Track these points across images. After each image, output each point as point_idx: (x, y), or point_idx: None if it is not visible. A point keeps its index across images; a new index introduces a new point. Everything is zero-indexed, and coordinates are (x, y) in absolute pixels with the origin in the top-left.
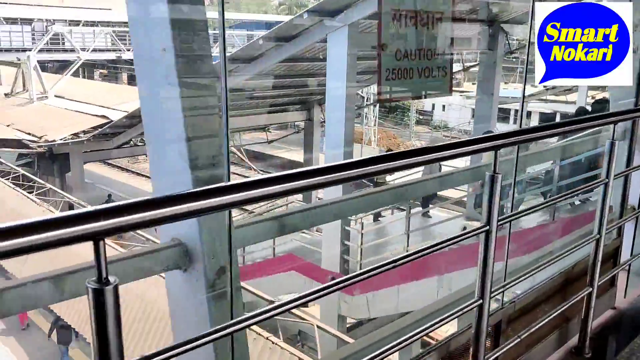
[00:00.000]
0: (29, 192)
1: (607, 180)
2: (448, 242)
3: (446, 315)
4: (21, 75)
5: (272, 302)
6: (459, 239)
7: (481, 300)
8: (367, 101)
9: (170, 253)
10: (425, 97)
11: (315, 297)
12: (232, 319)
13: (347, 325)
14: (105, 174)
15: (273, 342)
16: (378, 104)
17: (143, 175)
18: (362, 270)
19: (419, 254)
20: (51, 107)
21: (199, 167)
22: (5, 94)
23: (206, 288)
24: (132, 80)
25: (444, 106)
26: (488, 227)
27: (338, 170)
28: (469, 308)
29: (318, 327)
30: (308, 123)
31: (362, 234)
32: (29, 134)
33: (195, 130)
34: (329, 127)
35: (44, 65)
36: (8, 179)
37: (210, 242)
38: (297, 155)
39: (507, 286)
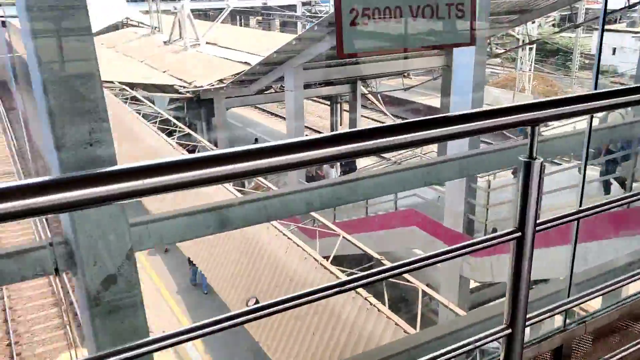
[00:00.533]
0: (170, 136)
1: None
2: (473, 248)
3: (469, 341)
4: (177, 24)
5: (379, 260)
6: (485, 244)
7: (510, 330)
8: (521, 43)
9: (45, 254)
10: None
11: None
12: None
13: (471, 287)
14: (255, 118)
15: (371, 304)
16: (534, 46)
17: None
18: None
19: (435, 259)
20: (202, 54)
21: (67, 147)
22: (164, 42)
23: (88, 302)
24: (283, 27)
25: (614, 49)
26: (520, 233)
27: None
28: (495, 337)
29: (423, 292)
30: (446, 68)
31: (488, 192)
32: (181, 79)
33: (62, 102)
34: (456, 72)
35: (206, 13)
36: (155, 122)
37: (92, 244)
38: (437, 102)
39: (559, 308)
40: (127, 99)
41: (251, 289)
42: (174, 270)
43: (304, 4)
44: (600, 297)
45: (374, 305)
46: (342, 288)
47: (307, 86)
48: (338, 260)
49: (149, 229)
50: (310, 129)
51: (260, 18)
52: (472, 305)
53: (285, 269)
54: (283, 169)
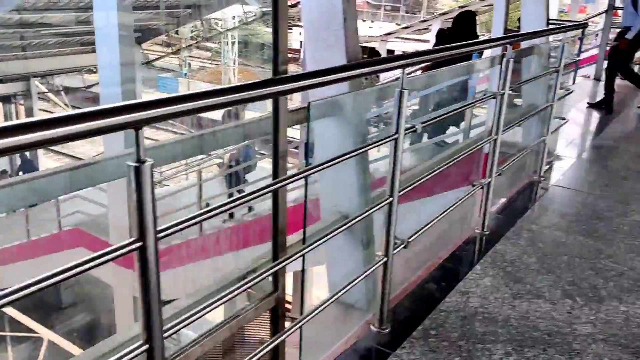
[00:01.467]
0: None
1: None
2: (89, 265)
3: None
4: None
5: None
6: (103, 259)
7: (148, 345)
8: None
9: None
10: None
11: None
12: None
13: None
14: None
15: None
16: (236, 41)
17: None
18: None
19: None
20: None
21: None
22: None
23: None
24: None
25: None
26: (141, 242)
27: None
28: (131, 355)
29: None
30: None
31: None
32: None
33: None
34: (102, 73)
35: None
36: None
37: None
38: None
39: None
40: None
41: None
42: None
43: None
44: None
45: None
46: None
47: None
48: None
49: None
50: None
51: None
52: None
53: None
54: None
